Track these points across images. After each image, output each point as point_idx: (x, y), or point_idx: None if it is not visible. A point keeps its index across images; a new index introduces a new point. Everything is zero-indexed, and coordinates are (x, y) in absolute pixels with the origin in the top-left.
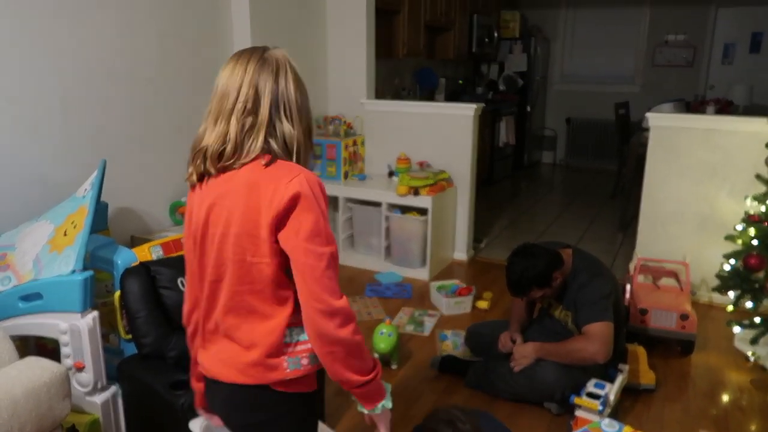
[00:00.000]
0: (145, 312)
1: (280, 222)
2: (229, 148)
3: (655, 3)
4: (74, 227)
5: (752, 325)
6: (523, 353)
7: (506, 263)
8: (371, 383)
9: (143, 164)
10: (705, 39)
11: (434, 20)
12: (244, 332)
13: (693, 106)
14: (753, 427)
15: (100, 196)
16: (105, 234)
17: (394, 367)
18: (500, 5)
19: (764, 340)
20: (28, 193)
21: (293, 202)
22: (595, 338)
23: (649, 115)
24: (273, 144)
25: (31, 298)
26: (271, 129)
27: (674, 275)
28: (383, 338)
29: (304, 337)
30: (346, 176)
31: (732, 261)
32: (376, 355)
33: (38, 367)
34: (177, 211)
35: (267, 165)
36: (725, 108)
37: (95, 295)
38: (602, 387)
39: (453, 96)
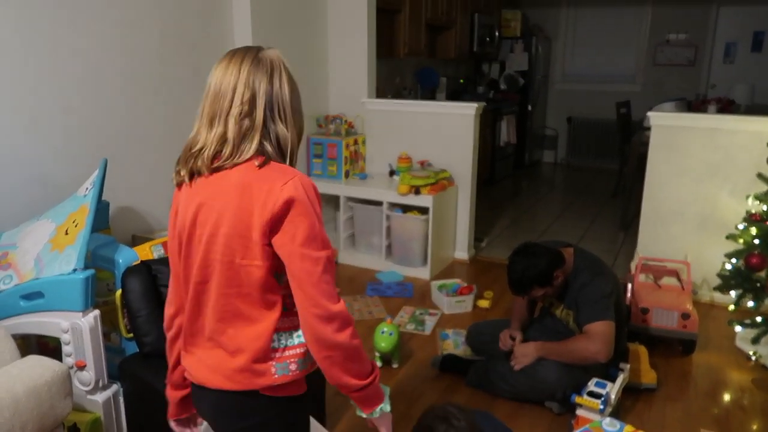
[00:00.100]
0: (146, 311)
1: (274, 226)
2: (226, 150)
3: (656, 2)
4: (75, 226)
5: (753, 325)
6: (524, 352)
7: (507, 262)
8: (369, 387)
9: (144, 163)
10: (706, 38)
11: (435, 19)
12: (230, 337)
13: (694, 105)
14: (754, 427)
15: (101, 194)
16: (106, 233)
17: (395, 366)
18: (501, 4)
19: (765, 340)
20: (29, 192)
21: (288, 206)
22: (597, 337)
23: (650, 114)
24: (267, 146)
25: (33, 296)
26: (265, 131)
27: (675, 274)
28: (384, 337)
29: (292, 342)
30: (347, 175)
31: (733, 260)
32: (377, 354)
33: (40, 365)
34: None
35: (260, 166)
36: (727, 107)
37: (96, 294)
38: (603, 386)
39: (454, 95)
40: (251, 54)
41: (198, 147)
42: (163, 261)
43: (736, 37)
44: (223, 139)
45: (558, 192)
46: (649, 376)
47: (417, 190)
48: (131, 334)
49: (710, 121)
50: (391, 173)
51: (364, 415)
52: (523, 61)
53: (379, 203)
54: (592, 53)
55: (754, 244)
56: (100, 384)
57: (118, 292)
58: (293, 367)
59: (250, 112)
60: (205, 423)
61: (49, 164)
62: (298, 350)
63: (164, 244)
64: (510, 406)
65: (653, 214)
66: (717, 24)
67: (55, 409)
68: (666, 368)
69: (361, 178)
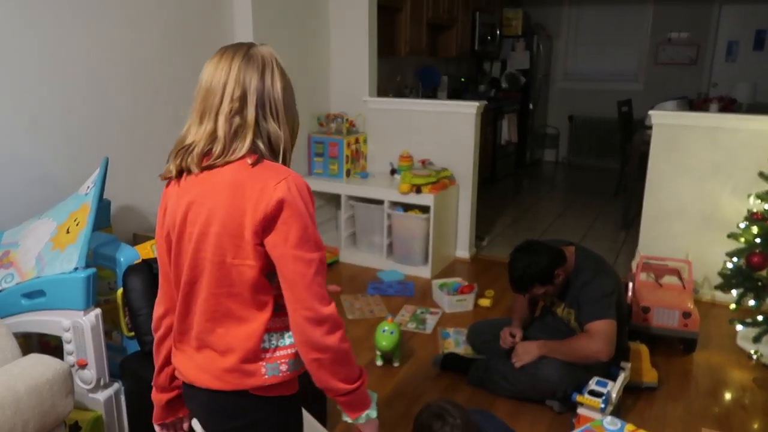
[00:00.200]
0: (147, 309)
1: (266, 226)
2: (217, 147)
3: (658, 0)
4: (77, 225)
5: (755, 324)
6: (526, 349)
7: (509, 260)
8: (356, 392)
9: (145, 162)
10: (708, 36)
11: (437, 18)
12: (220, 336)
13: (696, 103)
14: (755, 426)
15: (102, 193)
16: (107, 231)
17: (396, 364)
18: (503, 3)
19: (767, 339)
20: (30, 191)
21: (280, 206)
22: (598, 336)
23: (652, 112)
24: (259, 144)
25: (34, 295)
26: (257, 129)
27: (677, 273)
28: (385, 336)
29: (283, 342)
30: (348, 174)
31: (735, 259)
32: (378, 353)
33: (41, 364)
34: None
35: (253, 165)
36: (728, 106)
37: (98, 293)
38: (604, 385)
39: (455, 94)
40: (242, 50)
41: (188, 143)
42: None
43: (738, 35)
44: (213, 137)
45: (559, 191)
46: (650, 375)
47: (418, 189)
48: (132, 333)
49: (712, 119)
50: (393, 172)
51: (350, 420)
52: (524, 59)
53: (380, 202)
54: (594, 52)
55: (756, 243)
56: (102, 382)
57: (120, 290)
58: (284, 367)
59: (241, 110)
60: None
61: (50, 163)
62: (289, 351)
63: None
64: (511, 404)
65: (654, 213)
66: (719, 22)
67: (56, 408)
68: (667, 367)
69: (362, 176)
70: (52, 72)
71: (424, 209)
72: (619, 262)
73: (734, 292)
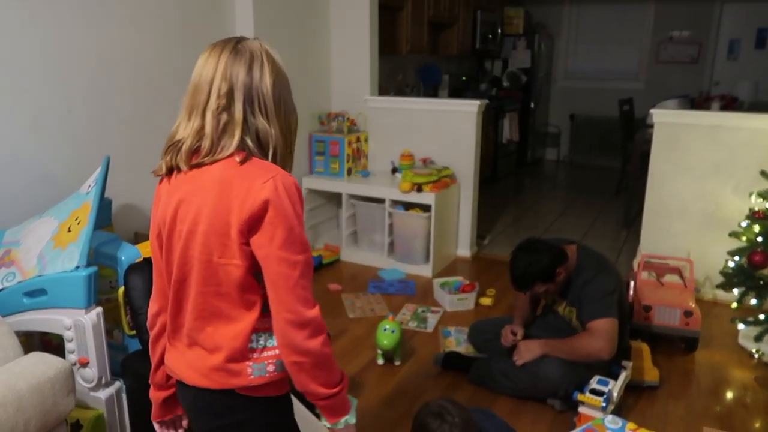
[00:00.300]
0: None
1: (252, 225)
2: (205, 144)
3: None
4: (78, 223)
5: (756, 322)
6: (528, 347)
7: (510, 258)
8: (336, 397)
9: (147, 161)
10: (710, 35)
11: (438, 16)
12: (209, 335)
13: (697, 102)
14: (757, 425)
15: (103, 192)
16: (109, 230)
17: (397, 363)
18: (504, 1)
19: None
20: (31, 190)
21: (266, 206)
22: (600, 334)
23: (653, 111)
24: (248, 141)
25: (36, 294)
26: (246, 126)
27: (678, 272)
28: (386, 335)
29: (271, 343)
30: (349, 173)
31: (736, 258)
32: (379, 352)
33: (43, 362)
34: None
35: (242, 162)
36: (730, 104)
37: (99, 291)
38: (606, 384)
39: (456, 92)
40: (230, 44)
41: (177, 139)
42: None
43: (739, 34)
44: (200, 134)
45: (560, 189)
46: (651, 374)
47: (419, 188)
48: (134, 332)
49: (713, 118)
50: (394, 171)
51: (328, 425)
52: (525, 58)
53: (381, 201)
54: (595, 50)
55: (757, 241)
56: (103, 381)
57: (121, 289)
58: (271, 368)
59: (228, 106)
60: None
61: (51, 163)
62: (277, 351)
63: None
64: (512, 403)
65: (656, 212)
66: (721, 21)
67: (58, 406)
68: (668, 366)
69: (363, 175)
70: (53, 71)
71: (426, 208)
72: (621, 261)
73: (736, 290)
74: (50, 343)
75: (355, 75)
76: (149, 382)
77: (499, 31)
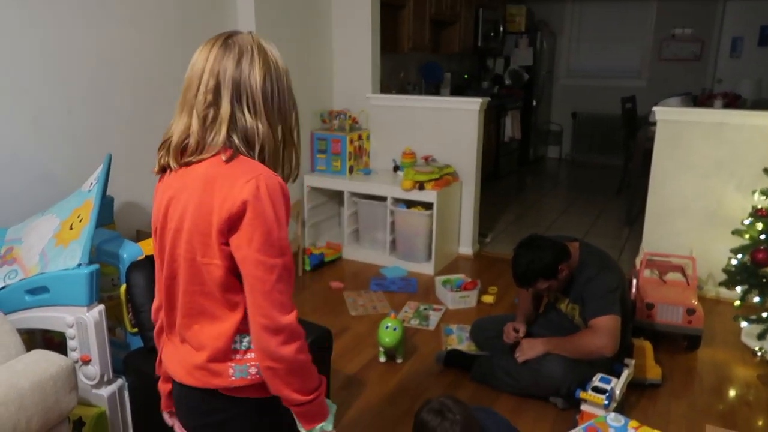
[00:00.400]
0: (150, 306)
1: (231, 226)
2: (191, 141)
3: None
4: (80, 221)
5: (759, 320)
6: (531, 345)
7: (512, 254)
8: (312, 403)
9: (148, 159)
10: (713, 32)
11: (439, 14)
12: (195, 333)
13: (700, 100)
14: (760, 423)
15: (105, 190)
16: (111, 228)
17: (399, 361)
18: None
19: None
20: (33, 188)
21: (244, 207)
22: (603, 332)
23: (655, 109)
24: (235, 139)
25: (38, 291)
26: (232, 123)
27: (681, 270)
28: (388, 332)
29: None
30: (351, 171)
31: (739, 256)
32: (381, 349)
33: (45, 360)
34: None
35: (227, 161)
36: (733, 102)
37: (101, 289)
38: (608, 381)
39: (458, 90)
40: (221, 39)
41: (168, 136)
42: None
43: (742, 31)
44: (187, 130)
45: (562, 187)
46: (653, 372)
47: (421, 186)
48: (136, 329)
49: (716, 116)
50: (395, 169)
51: (304, 431)
52: (527, 56)
53: (383, 199)
54: (597, 48)
55: (760, 239)
56: (105, 378)
57: (123, 286)
58: (253, 371)
59: (215, 102)
60: None
61: (51, 163)
62: None
63: None
64: (514, 401)
65: (658, 210)
66: (723, 18)
67: (60, 404)
68: (671, 364)
69: (365, 173)
70: (53, 71)
71: (427, 206)
72: (623, 259)
73: (739, 288)
74: (52, 341)
75: (356, 73)
76: (156, 373)
77: (501, 28)
